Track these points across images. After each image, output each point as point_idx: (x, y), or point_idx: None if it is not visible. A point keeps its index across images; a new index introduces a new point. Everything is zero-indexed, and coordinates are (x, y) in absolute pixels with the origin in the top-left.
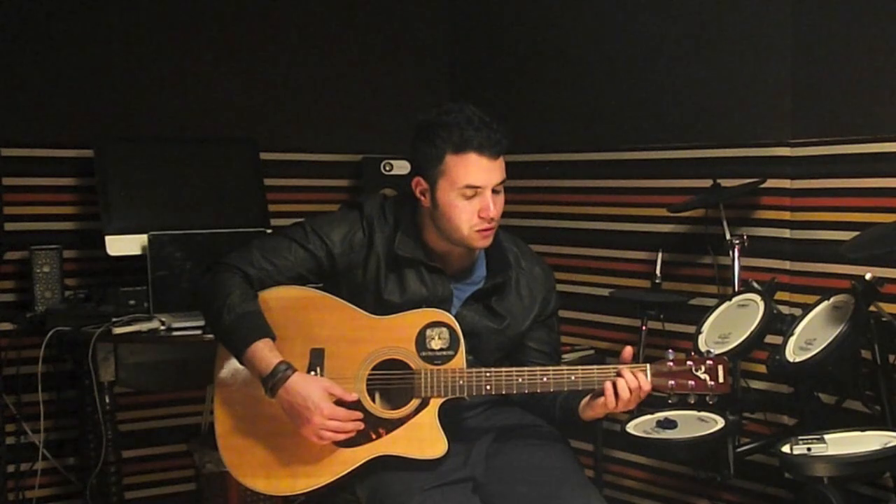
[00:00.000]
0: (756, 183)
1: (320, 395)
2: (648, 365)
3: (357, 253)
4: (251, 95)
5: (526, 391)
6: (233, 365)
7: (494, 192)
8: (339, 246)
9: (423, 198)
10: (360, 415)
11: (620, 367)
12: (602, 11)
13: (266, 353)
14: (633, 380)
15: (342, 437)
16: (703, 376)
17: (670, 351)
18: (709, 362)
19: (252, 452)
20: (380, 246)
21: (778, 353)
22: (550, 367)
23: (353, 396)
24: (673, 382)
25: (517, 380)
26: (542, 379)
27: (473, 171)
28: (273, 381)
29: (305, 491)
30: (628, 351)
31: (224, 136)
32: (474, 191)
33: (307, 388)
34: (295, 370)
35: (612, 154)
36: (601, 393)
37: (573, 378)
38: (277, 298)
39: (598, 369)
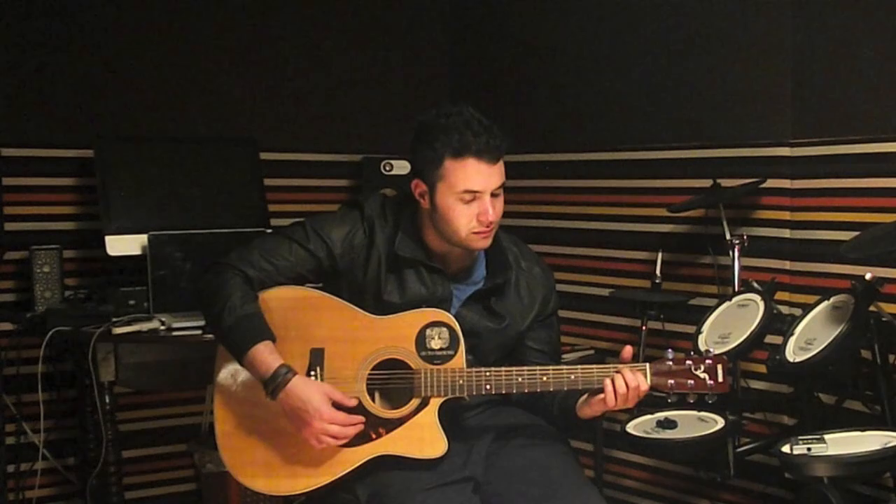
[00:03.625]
0: (756, 183)
1: (320, 400)
2: (648, 364)
3: (358, 253)
4: (251, 95)
5: (526, 391)
6: (233, 365)
7: (493, 195)
8: (340, 246)
9: (422, 200)
10: (360, 418)
11: (620, 366)
12: (602, 11)
13: (266, 356)
14: (633, 378)
15: (342, 442)
16: (702, 375)
17: (669, 350)
18: (708, 361)
19: (252, 452)
20: (380, 246)
21: (778, 352)
22: (550, 367)
23: (352, 401)
24: (672, 382)
25: (517, 379)
26: (541, 378)
27: (472, 176)
28: (274, 384)
29: (305, 491)
30: (628, 350)
31: (224, 136)
32: (473, 195)
33: (307, 391)
34: (295, 373)
35: (612, 154)
36: (598, 391)
37: (573, 377)
38: (277, 299)
39: (597, 369)
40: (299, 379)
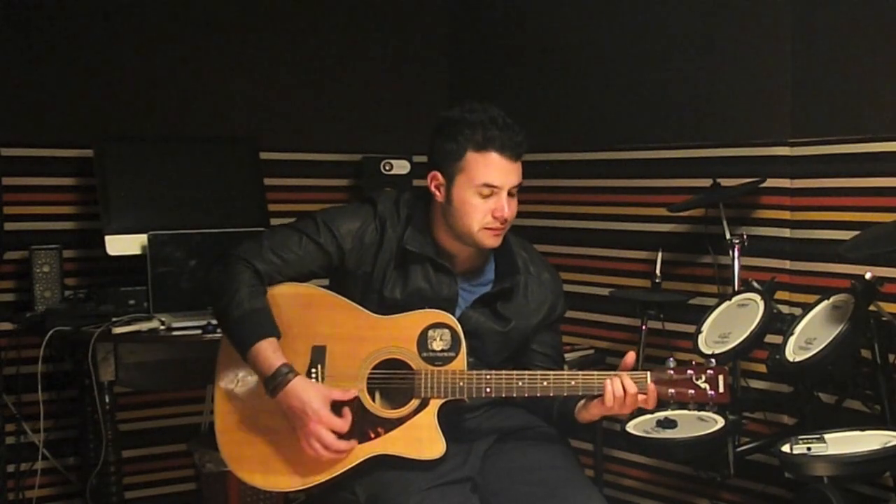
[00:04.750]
0: (756, 182)
1: (320, 402)
2: (649, 373)
3: (367, 249)
4: (251, 95)
5: (526, 395)
6: (235, 360)
7: (510, 194)
8: (350, 241)
9: (437, 192)
10: (353, 443)
11: (621, 373)
12: (602, 11)
13: (269, 353)
14: (633, 386)
15: (332, 455)
16: (703, 385)
17: (671, 359)
18: (710, 372)
19: (251, 448)
20: (390, 242)
21: (778, 352)
22: (551, 373)
23: (352, 394)
24: (673, 391)
25: (517, 383)
26: (542, 383)
27: (493, 170)
28: (274, 383)
29: (303, 488)
30: (630, 357)
31: (224, 136)
32: (491, 190)
33: (307, 393)
34: (297, 374)
35: (612, 154)
36: (596, 396)
37: (573, 383)
38: (282, 295)
39: (598, 375)
40: (300, 380)
